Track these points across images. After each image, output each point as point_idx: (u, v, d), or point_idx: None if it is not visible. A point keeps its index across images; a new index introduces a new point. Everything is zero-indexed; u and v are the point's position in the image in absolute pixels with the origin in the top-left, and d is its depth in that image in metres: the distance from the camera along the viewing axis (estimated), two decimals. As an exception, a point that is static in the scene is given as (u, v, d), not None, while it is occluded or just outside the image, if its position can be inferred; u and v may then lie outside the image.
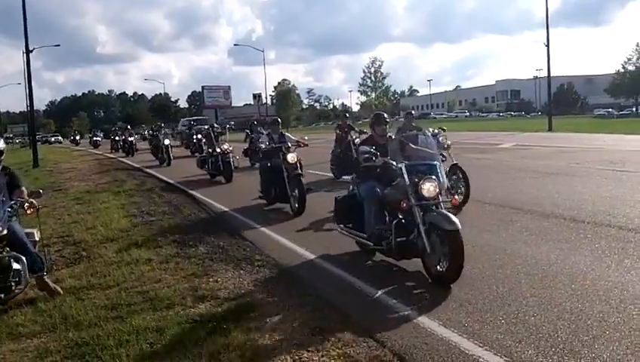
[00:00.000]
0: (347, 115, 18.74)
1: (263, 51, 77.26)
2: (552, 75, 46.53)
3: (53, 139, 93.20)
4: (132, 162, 29.51)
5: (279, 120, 13.37)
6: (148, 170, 23.73)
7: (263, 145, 12.14)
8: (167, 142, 26.39)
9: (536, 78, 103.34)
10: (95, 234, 10.03)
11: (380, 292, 6.13)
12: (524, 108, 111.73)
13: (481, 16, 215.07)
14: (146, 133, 48.75)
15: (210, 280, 6.92)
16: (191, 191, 15.84)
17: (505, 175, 15.47)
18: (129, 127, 43.32)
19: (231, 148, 18.41)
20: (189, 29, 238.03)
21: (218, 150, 18.00)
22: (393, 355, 4.62)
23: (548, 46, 43.23)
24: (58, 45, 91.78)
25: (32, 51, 31.41)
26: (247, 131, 26.54)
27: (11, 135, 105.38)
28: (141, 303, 6.12)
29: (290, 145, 11.96)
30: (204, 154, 19.57)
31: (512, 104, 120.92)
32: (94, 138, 57.01)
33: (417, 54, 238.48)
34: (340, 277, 6.91)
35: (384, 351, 4.70)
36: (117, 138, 41.44)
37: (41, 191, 6.38)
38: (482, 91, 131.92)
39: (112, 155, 37.99)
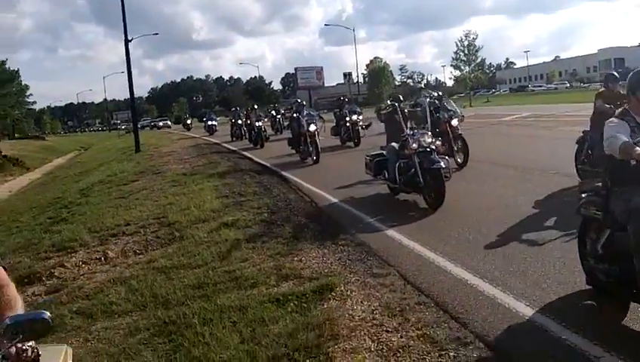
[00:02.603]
0: (616, 76, 10.24)
1: (353, 30, 77.42)
2: (660, 39, 43.49)
3: (161, 123, 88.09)
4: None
5: None
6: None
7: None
8: (312, 128, 17.61)
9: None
10: (188, 215, 10.31)
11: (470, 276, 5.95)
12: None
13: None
14: (275, 113, 36.19)
15: (295, 259, 6.99)
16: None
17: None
18: (255, 106, 32.44)
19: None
20: (279, 12, 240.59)
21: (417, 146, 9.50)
22: (475, 337, 4.48)
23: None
24: (157, 34, 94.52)
25: (131, 41, 32.44)
26: (336, 111, 21.97)
27: (118, 121, 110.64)
28: (226, 282, 6.27)
29: None
30: (381, 153, 10.90)
31: (616, 72, 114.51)
32: (209, 122, 44.02)
33: (510, 26, 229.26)
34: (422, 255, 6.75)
35: (465, 332, 4.57)
36: (240, 122, 31.03)
37: (48, 316, 2.14)
38: (583, 61, 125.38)
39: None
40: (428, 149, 9.36)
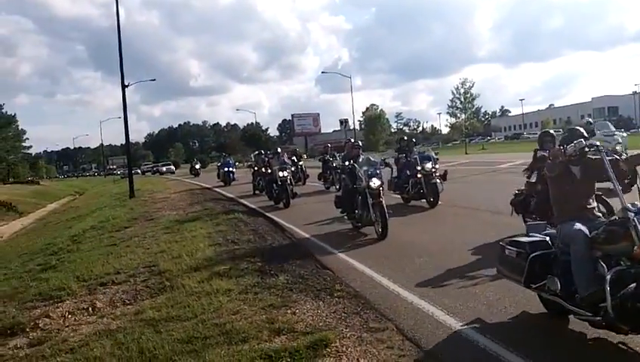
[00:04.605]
0: None
1: (350, 78, 78.15)
2: (653, 88, 43.83)
3: (164, 168, 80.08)
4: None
5: None
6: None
7: None
8: (376, 183, 11.70)
9: (635, 93, 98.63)
10: (180, 264, 10.07)
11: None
12: (623, 125, 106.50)
13: (568, 33, 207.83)
14: (296, 159, 27.30)
15: (288, 311, 6.74)
16: None
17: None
18: (279, 149, 25.12)
19: None
20: (276, 60, 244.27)
21: None
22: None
23: (648, 59, 40.91)
24: (154, 80, 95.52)
25: (127, 86, 32.80)
26: (400, 156, 16.76)
27: (114, 166, 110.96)
28: (217, 336, 6.00)
29: None
30: (541, 239, 5.59)
31: (610, 121, 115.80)
32: (225, 168, 34.14)
33: (505, 74, 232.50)
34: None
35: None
36: (264, 169, 22.89)
37: None
38: (578, 109, 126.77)
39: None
40: None
